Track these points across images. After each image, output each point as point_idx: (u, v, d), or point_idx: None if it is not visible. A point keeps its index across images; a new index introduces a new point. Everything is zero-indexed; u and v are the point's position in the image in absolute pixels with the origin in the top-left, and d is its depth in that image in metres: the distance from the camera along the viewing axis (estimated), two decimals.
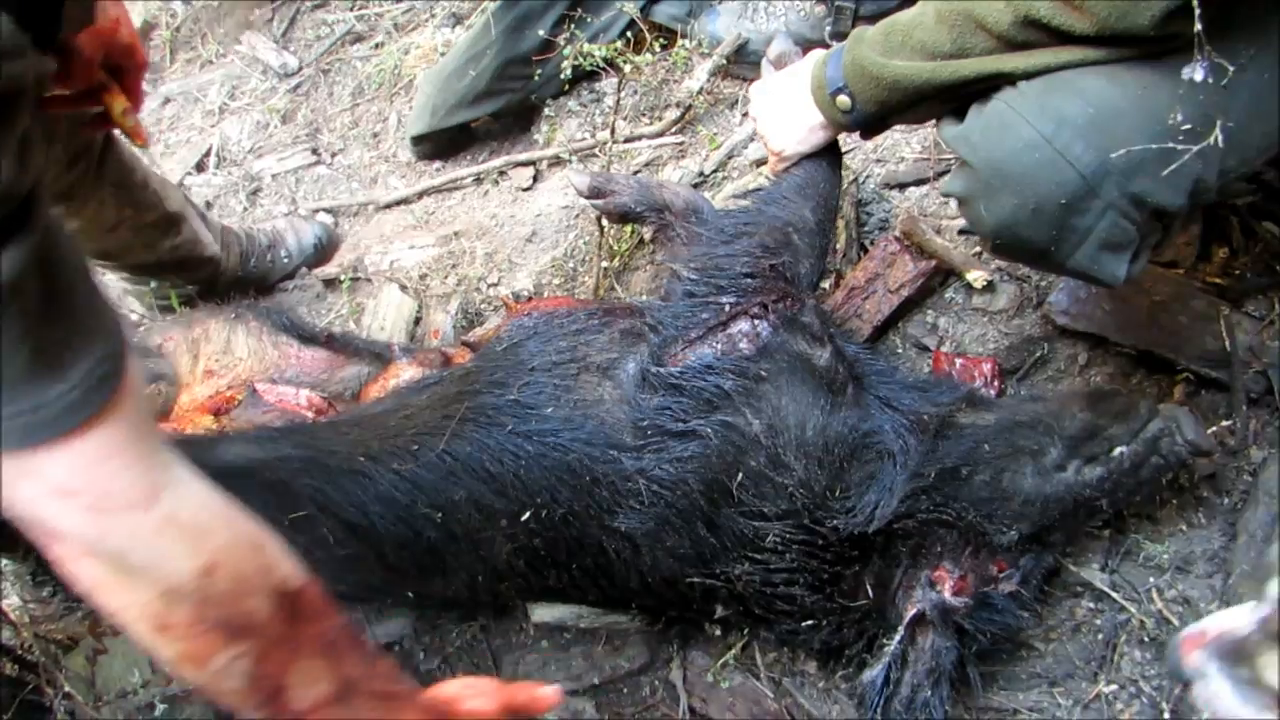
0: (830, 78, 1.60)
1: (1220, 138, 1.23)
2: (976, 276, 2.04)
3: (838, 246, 2.12)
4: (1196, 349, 1.90)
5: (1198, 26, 1.18)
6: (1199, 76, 1.21)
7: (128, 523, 0.91)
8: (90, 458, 0.86)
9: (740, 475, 1.56)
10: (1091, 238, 1.40)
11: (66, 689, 1.85)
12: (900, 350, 2.07)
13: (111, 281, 2.45)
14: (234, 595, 0.98)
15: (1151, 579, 1.80)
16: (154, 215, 2.20)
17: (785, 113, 1.72)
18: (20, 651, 1.93)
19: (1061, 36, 1.35)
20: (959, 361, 1.98)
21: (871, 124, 1.64)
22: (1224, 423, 1.85)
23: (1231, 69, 1.23)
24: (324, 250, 2.64)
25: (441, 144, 2.75)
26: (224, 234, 2.44)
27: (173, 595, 0.96)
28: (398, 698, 1.17)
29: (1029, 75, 1.39)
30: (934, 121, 1.62)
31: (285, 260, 2.57)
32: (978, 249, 2.12)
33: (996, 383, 1.96)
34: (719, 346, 1.63)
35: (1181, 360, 1.90)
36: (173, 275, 2.38)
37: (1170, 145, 1.30)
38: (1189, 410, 1.69)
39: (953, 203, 2.17)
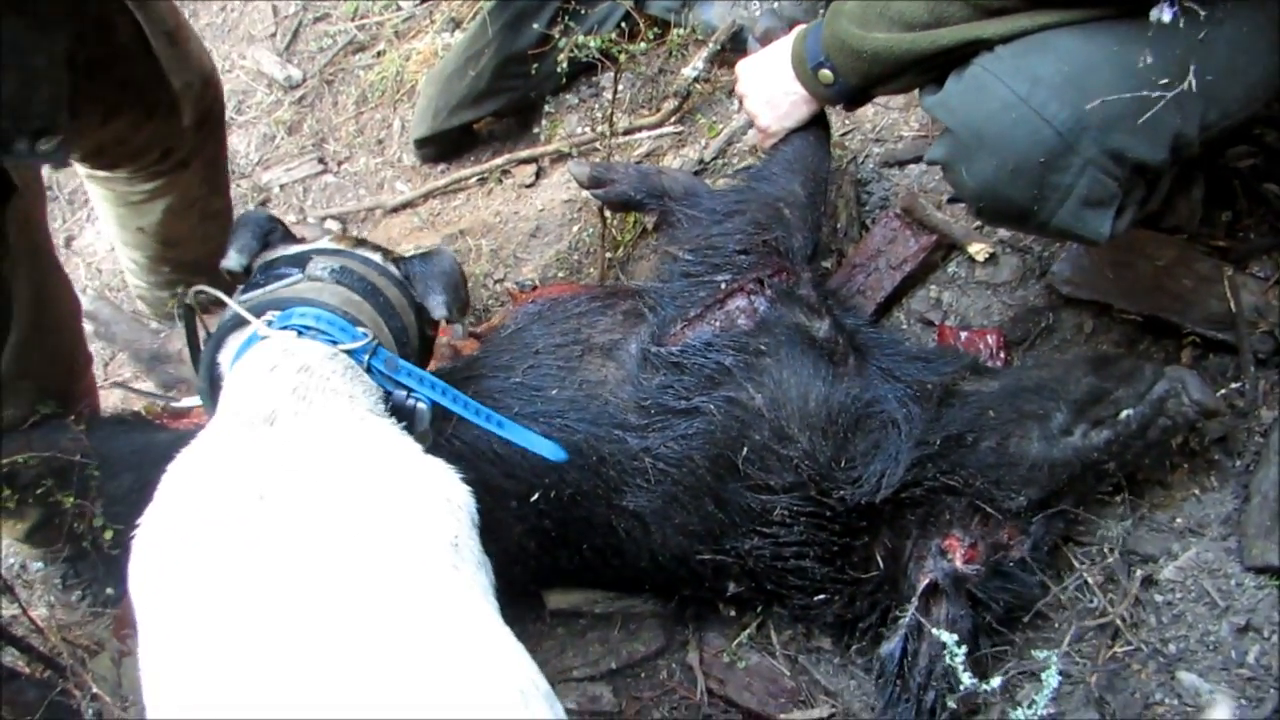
0: (811, 52, 1.63)
1: (1194, 83, 1.24)
2: (979, 249, 2.05)
3: (839, 225, 2.13)
4: (1202, 312, 1.89)
5: None
6: (1166, 18, 1.22)
7: None
8: None
9: (745, 450, 1.57)
10: (1073, 195, 1.41)
11: (94, 691, 1.88)
12: (905, 326, 2.07)
13: (132, 283, 2.47)
14: None
15: (1165, 543, 1.79)
16: (220, 204, 2.26)
17: (770, 88, 1.74)
18: (49, 655, 1.96)
19: (1038, 0, 1.36)
20: (964, 335, 1.98)
21: (854, 96, 1.66)
22: (1233, 384, 1.84)
23: (1203, 14, 1.23)
24: None
25: (445, 146, 2.78)
26: None
27: None
28: None
29: (1007, 40, 1.41)
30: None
31: None
32: (979, 222, 2.12)
33: (1002, 354, 1.96)
34: (718, 323, 1.65)
35: (1187, 324, 1.89)
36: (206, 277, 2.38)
37: (1143, 94, 1.31)
38: (1194, 371, 1.69)
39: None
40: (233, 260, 1.55)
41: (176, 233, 2.20)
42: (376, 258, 1.54)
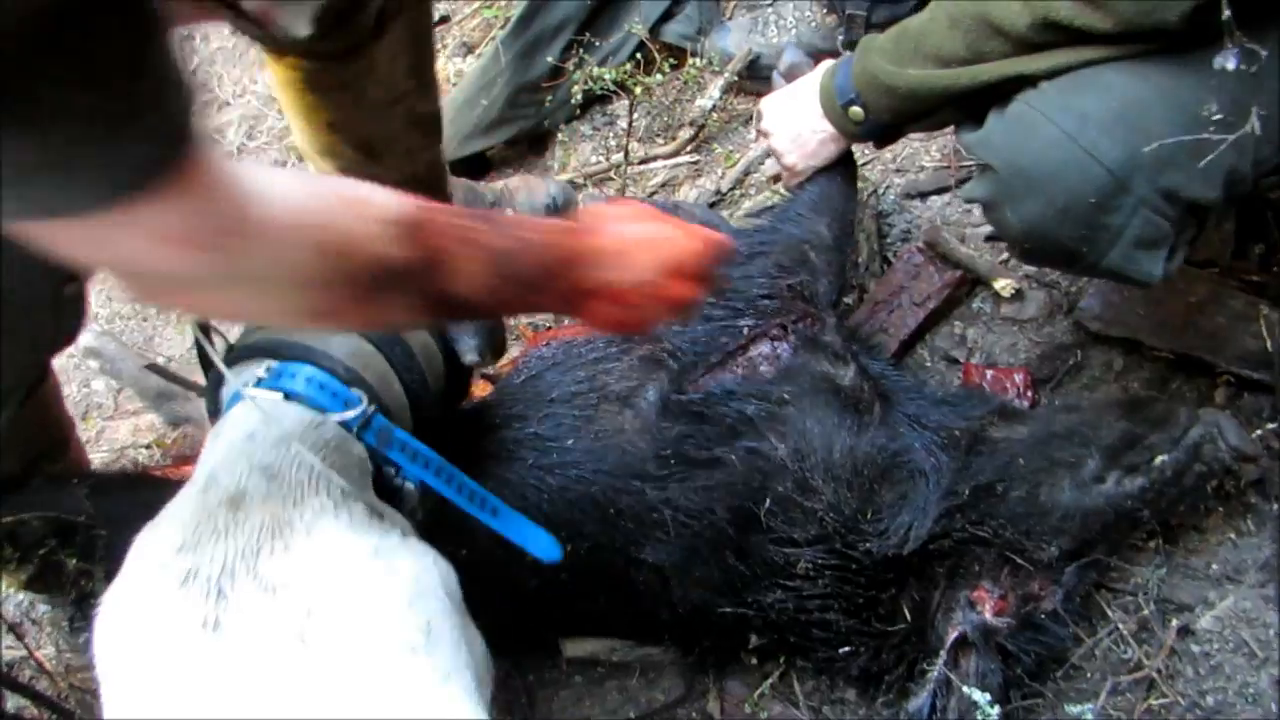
0: (840, 89, 1.58)
1: (1257, 125, 1.19)
2: (1004, 285, 2.00)
3: (860, 260, 2.09)
4: (1236, 350, 1.83)
5: (1226, 13, 1.15)
6: (1231, 65, 1.17)
7: (236, 247, 0.90)
8: (186, 200, 0.84)
9: (768, 502, 1.52)
10: (1125, 236, 1.36)
11: None
12: (929, 364, 2.02)
13: None
14: (356, 256, 0.98)
15: (1201, 591, 1.74)
16: (430, 107, 1.92)
17: (796, 126, 1.70)
18: (56, 700, 1.92)
19: (1082, 36, 1.31)
20: (990, 373, 1.93)
21: (885, 133, 1.62)
22: (1269, 425, 1.78)
23: (1264, 53, 1.18)
24: (559, 211, 2.37)
25: (457, 174, 2.74)
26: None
27: (307, 286, 0.97)
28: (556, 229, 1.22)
29: (1049, 76, 1.36)
30: (952, 127, 1.59)
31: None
32: (1004, 256, 2.08)
33: (1030, 393, 1.91)
34: (739, 371, 1.60)
35: (1221, 362, 1.84)
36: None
37: (1202, 136, 1.27)
38: (1230, 414, 1.64)
39: (976, 210, 2.13)
40: None
41: (373, 135, 1.84)
42: None
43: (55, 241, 0.84)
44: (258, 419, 1.18)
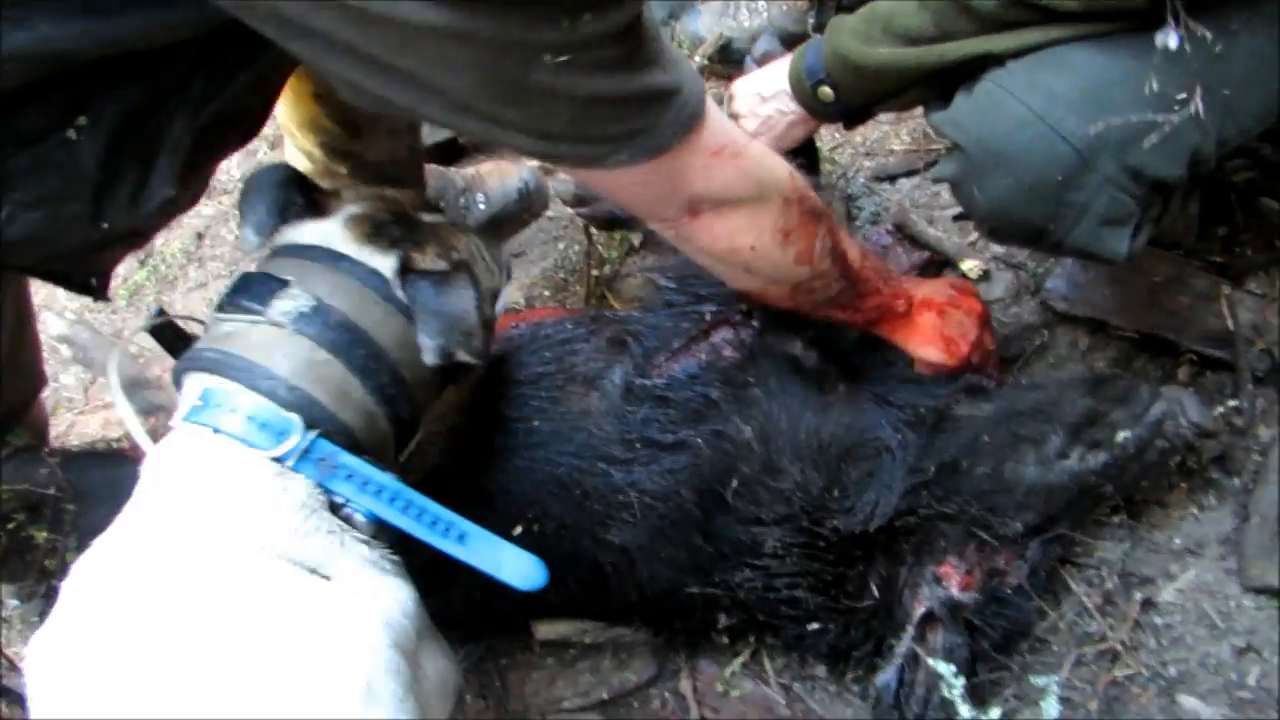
0: (810, 69, 1.59)
1: (1200, 107, 1.20)
2: (972, 266, 2.02)
3: None
4: (1199, 329, 1.86)
5: None
6: (1173, 44, 1.18)
7: (749, 155, 1.25)
8: (717, 120, 1.18)
9: (734, 483, 1.53)
10: (1090, 214, 1.37)
11: None
12: None
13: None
14: (800, 183, 1.34)
15: (1164, 564, 1.77)
16: None
17: (766, 109, 1.71)
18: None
19: (1050, 15, 1.32)
20: None
21: (855, 113, 1.62)
22: (1230, 402, 1.81)
23: (1210, 36, 1.20)
24: (528, 199, 2.34)
25: (429, 159, 2.73)
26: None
27: (786, 201, 1.30)
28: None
29: (1017, 54, 1.37)
30: (921, 110, 1.60)
31: (481, 206, 2.31)
32: (972, 238, 2.10)
33: (996, 372, 1.92)
34: (703, 355, 1.60)
35: (1184, 342, 1.86)
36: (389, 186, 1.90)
37: (1165, 116, 1.29)
38: (1192, 391, 1.66)
39: (945, 192, 2.14)
40: (249, 239, 1.30)
41: (357, 111, 1.74)
42: (387, 268, 1.24)
43: (626, 185, 1.19)
44: (185, 462, 1.11)
